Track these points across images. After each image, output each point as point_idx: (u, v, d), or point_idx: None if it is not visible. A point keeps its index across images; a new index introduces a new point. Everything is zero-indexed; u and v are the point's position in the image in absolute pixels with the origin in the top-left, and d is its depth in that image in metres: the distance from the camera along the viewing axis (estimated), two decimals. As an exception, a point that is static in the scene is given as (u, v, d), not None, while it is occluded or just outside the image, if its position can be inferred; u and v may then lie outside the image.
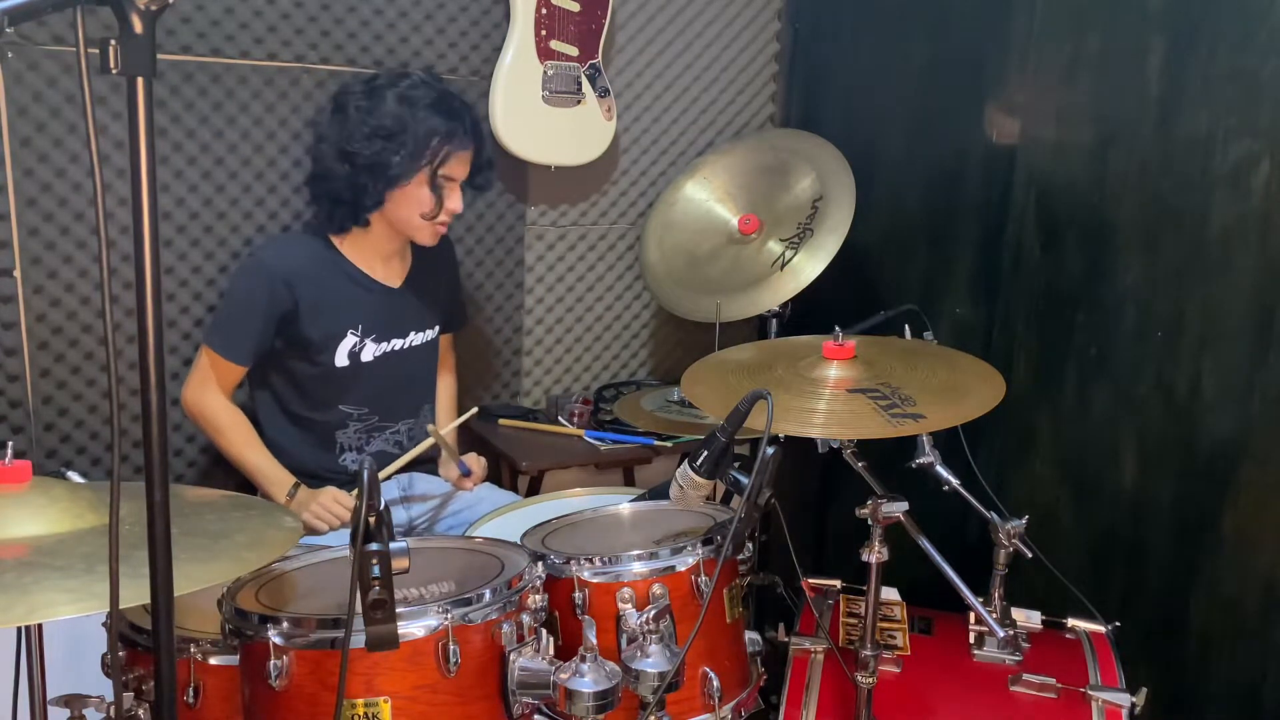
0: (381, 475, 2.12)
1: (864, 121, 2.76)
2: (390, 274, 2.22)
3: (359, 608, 1.24)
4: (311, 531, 2.03)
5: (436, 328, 2.33)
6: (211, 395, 2.11)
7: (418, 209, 2.09)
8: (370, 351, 2.18)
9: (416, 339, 2.27)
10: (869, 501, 1.68)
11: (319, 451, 2.19)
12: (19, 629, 1.33)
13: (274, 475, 2.11)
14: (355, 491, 1.32)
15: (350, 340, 2.15)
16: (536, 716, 1.47)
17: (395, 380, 2.23)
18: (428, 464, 2.28)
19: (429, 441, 2.16)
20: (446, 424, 2.40)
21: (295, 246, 2.18)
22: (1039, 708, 1.81)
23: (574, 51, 2.56)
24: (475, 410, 2.27)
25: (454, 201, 2.12)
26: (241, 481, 2.18)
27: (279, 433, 2.19)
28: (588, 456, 2.53)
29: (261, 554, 1.28)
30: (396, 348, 2.22)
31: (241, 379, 2.15)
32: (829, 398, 1.65)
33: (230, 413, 2.13)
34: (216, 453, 2.30)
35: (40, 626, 1.32)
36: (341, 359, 2.14)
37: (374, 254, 2.18)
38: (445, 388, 2.46)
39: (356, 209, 2.10)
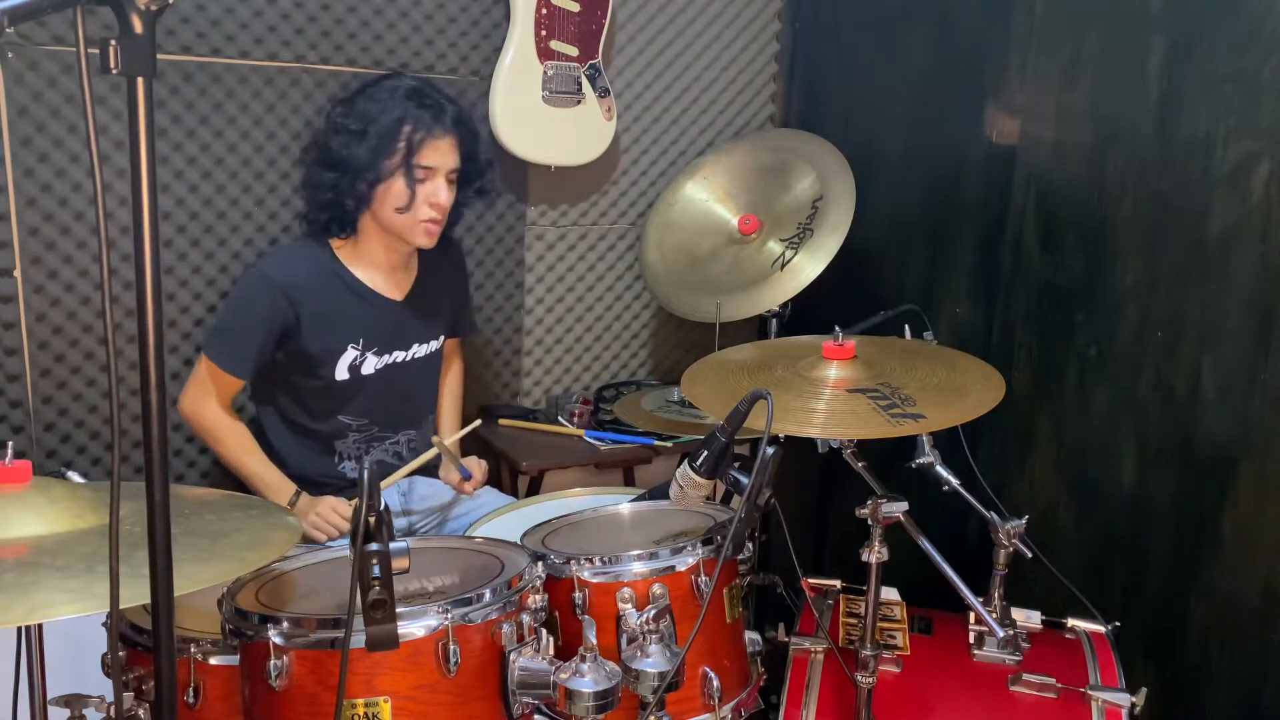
0: (385, 483, 2.13)
1: (864, 121, 2.76)
2: (393, 286, 2.20)
3: (359, 608, 1.24)
4: (310, 540, 2.03)
5: (440, 338, 2.31)
6: (209, 405, 2.10)
7: (393, 203, 2.05)
8: (371, 364, 2.16)
9: (419, 351, 2.25)
10: (869, 501, 1.68)
11: (318, 459, 2.19)
12: (19, 629, 1.33)
13: (274, 483, 2.11)
14: (354, 499, 1.32)
15: (351, 354, 2.13)
16: (536, 716, 1.47)
17: (396, 392, 2.22)
18: (428, 468, 2.27)
19: (432, 451, 2.16)
20: (450, 426, 2.40)
21: (298, 258, 2.15)
22: (1039, 708, 1.81)
23: (574, 51, 2.56)
24: (479, 422, 2.27)
25: (436, 194, 2.06)
26: (241, 481, 2.18)
27: (279, 440, 2.18)
28: (588, 456, 2.53)
29: (261, 554, 1.28)
30: (397, 360, 2.21)
31: (240, 390, 2.14)
32: (829, 398, 1.66)
33: (228, 422, 2.12)
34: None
35: (40, 626, 1.32)
36: (342, 372, 2.13)
37: (375, 266, 2.16)
38: (451, 391, 2.45)
39: (344, 212, 2.08)
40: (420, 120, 2.04)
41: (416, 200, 2.05)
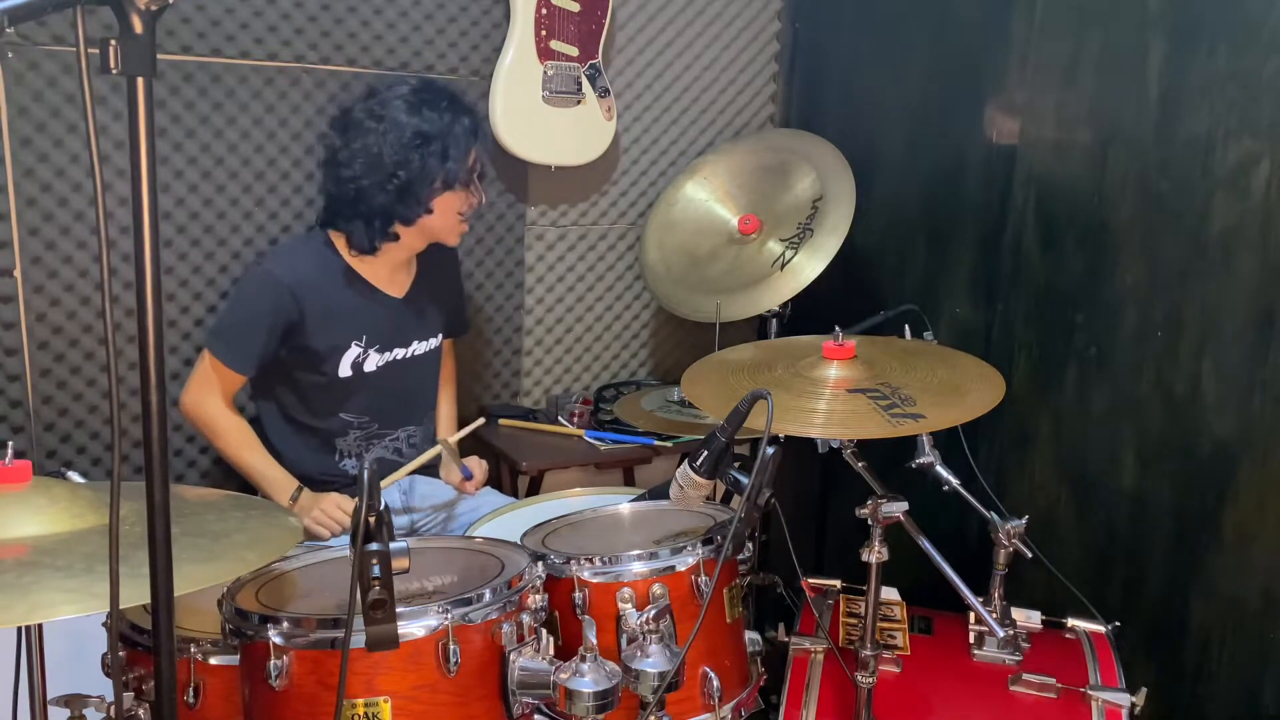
0: (386, 482, 2.13)
1: (864, 121, 2.76)
2: (395, 284, 2.21)
3: (359, 608, 1.24)
4: (313, 537, 2.03)
5: (439, 336, 2.32)
6: (212, 401, 2.10)
7: (458, 208, 2.12)
8: (373, 362, 2.17)
9: (419, 348, 2.26)
10: (869, 501, 1.68)
11: (319, 456, 2.19)
12: (19, 629, 1.33)
13: (275, 478, 2.11)
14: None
15: (354, 351, 2.14)
16: (536, 716, 1.47)
17: (397, 389, 2.23)
18: (429, 468, 2.28)
19: (435, 450, 2.16)
20: (447, 426, 2.40)
21: (303, 256, 2.15)
22: (1039, 708, 1.81)
23: (574, 51, 2.56)
24: (483, 420, 2.27)
25: (482, 193, 2.17)
26: (242, 482, 2.18)
27: (279, 437, 2.19)
28: (588, 456, 2.53)
29: (261, 554, 1.28)
30: (399, 357, 2.22)
31: (243, 386, 2.15)
32: (829, 398, 1.65)
33: (229, 417, 2.12)
34: (217, 453, 2.30)
35: (40, 626, 1.32)
36: (345, 369, 2.14)
37: (383, 265, 2.17)
38: (447, 392, 2.45)
39: (393, 221, 2.08)
40: (475, 128, 2.11)
41: (474, 204, 2.15)
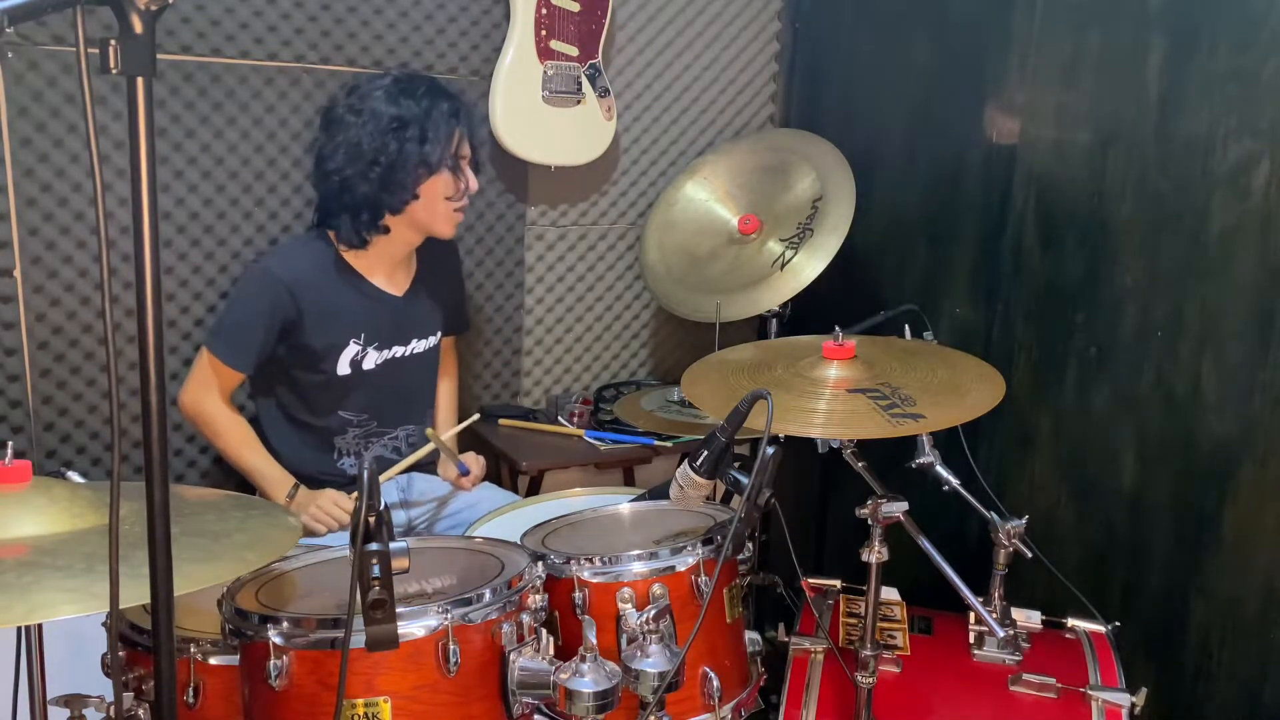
0: (383, 478, 2.13)
1: (864, 121, 2.76)
2: (395, 282, 2.21)
3: (359, 608, 1.24)
4: (310, 533, 2.03)
5: (438, 334, 2.33)
6: (210, 398, 2.11)
7: (444, 193, 2.10)
8: (372, 360, 2.17)
9: (418, 346, 2.26)
10: (869, 501, 1.68)
11: (317, 455, 2.19)
12: (19, 629, 1.33)
13: (273, 476, 2.11)
14: (355, 493, 1.32)
15: (353, 349, 2.14)
16: (536, 716, 1.47)
17: (396, 387, 2.23)
18: (427, 465, 2.28)
19: (429, 446, 2.16)
20: (447, 424, 2.40)
21: (301, 254, 2.16)
22: (1039, 708, 1.81)
23: (574, 51, 2.56)
24: (476, 416, 2.28)
25: (472, 180, 2.15)
26: (242, 481, 2.18)
27: (278, 436, 2.19)
28: (588, 456, 2.53)
29: (261, 554, 1.28)
30: (398, 355, 2.22)
31: (241, 384, 2.15)
32: (829, 398, 1.65)
33: (228, 415, 2.13)
34: (217, 453, 2.30)
35: (40, 626, 1.32)
36: (343, 367, 2.14)
37: (381, 262, 2.18)
38: (446, 389, 2.46)
39: (382, 212, 2.08)
40: (456, 112, 2.10)
41: (461, 188, 2.12)
